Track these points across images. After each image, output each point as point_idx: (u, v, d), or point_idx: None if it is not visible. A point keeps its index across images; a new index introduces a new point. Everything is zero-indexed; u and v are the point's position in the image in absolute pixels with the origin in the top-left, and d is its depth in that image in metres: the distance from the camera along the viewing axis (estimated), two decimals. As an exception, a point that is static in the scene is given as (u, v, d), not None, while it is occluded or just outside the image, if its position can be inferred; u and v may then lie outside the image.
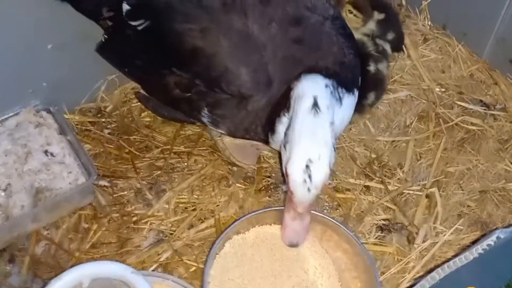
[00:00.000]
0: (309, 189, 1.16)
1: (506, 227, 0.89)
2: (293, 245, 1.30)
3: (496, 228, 0.92)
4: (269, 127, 1.32)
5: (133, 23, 1.41)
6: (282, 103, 1.26)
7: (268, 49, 1.29)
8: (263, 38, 1.29)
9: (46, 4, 1.48)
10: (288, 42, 1.30)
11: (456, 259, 0.85)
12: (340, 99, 1.27)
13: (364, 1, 1.78)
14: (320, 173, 1.15)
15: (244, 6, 1.30)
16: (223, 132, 1.46)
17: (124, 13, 1.42)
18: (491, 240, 0.87)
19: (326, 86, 1.23)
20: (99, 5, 1.48)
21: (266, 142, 1.39)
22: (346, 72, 1.32)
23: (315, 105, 1.18)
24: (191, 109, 1.43)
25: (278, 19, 1.31)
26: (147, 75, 1.48)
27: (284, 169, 1.19)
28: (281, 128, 1.27)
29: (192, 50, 1.32)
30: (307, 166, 1.14)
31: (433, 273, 0.83)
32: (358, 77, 1.41)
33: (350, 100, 1.32)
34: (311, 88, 1.22)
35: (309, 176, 1.15)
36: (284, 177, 1.24)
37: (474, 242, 0.94)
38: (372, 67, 1.62)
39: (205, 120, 1.43)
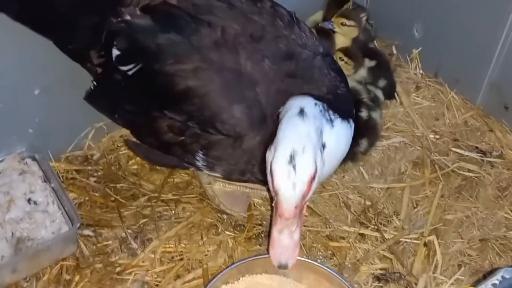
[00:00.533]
0: (294, 185, 1.09)
1: (511, 266, 0.83)
2: (282, 266, 1.20)
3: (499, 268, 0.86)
4: (265, 164, 1.27)
5: (123, 68, 1.39)
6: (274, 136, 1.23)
7: (261, 85, 1.26)
8: (256, 75, 1.27)
9: (33, 48, 1.47)
10: (281, 76, 1.28)
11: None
12: (331, 121, 1.23)
13: (355, 48, 1.79)
14: (305, 164, 1.10)
15: (236, 43, 1.29)
16: (218, 175, 1.41)
17: (114, 59, 1.40)
18: (496, 279, 0.81)
19: (316, 104, 1.20)
20: (88, 48, 1.46)
21: (264, 182, 1.34)
22: (340, 102, 1.30)
23: (302, 112, 1.15)
24: (185, 153, 1.38)
25: (271, 55, 1.30)
26: (138, 119, 1.44)
27: (268, 170, 1.13)
28: (269, 159, 1.23)
29: (184, 90, 1.29)
30: (291, 158, 1.09)
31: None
32: (352, 109, 1.38)
33: (344, 127, 1.27)
34: (299, 102, 1.19)
35: (294, 168, 1.09)
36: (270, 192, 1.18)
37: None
38: (364, 114, 1.59)
39: (199, 164, 1.39)
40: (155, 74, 1.33)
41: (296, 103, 1.19)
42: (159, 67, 1.32)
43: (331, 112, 1.23)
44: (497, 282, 0.82)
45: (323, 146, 1.21)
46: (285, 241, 1.16)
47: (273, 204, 1.16)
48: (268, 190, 1.31)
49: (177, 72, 1.29)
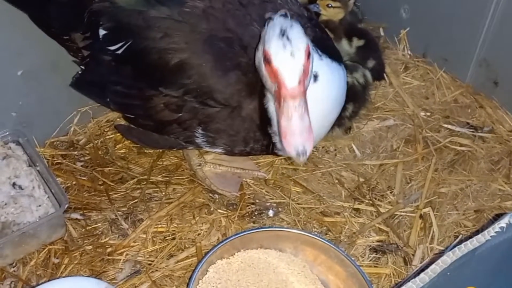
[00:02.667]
0: (292, 53, 1.07)
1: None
2: (300, 152, 1.08)
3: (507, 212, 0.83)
4: (265, 121, 1.25)
5: (112, 48, 1.35)
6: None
7: (252, 49, 1.24)
8: (246, 39, 1.26)
9: (16, 29, 1.43)
10: None
11: (468, 242, 0.76)
12: (319, 55, 1.23)
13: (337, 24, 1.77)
14: (297, 33, 1.09)
15: (225, 11, 1.27)
16: (220, 151, 1.38)
17: (101, 38, 1.36)
18: (503, 223, 0.79)
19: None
20: (69, 30, 1.43)
21: (268, 146, 1.31)
22: (327, 49, 1.29)
23: (285, 15, 1.16)
24: (183, 130, 1.35)
25: (258, 18, 1.28)
26: (132, 101, 1.40)
27: (262, 58, 1.12)
28: (271, 106, 1.21)
29: (178, 64, 1.27)
30: (282, 32, 1.09)
31: (444, 257, 0.75)
32: (340, 56, 1.38)
33: (335, 66, 1.27)
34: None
35: (288, 39, 1.08)
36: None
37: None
38: (349, 78, 1.57)
39: (199, 141, 1.35)
40: (146, 51, 1.29)
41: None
42: (149, 43, 1.29)
43: (319, 51, 1.23)
44: (504, 225, 0.80)
45: (315, 76, 1.20)
46: (297, 126, 1.07)
47: (274, 92, 1.13)
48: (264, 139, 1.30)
49: (169, 46, 1.27)
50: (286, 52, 1.08)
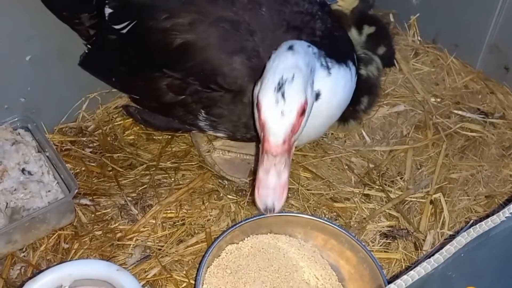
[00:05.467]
0: (282, 113, 1.03)
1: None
2: (268, 209, 1.10)
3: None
4: None
5: (117, 27, 1.35)
6: None
7: (259, 34, 1.23)
8: (253, 23, 1.24)
9: (25, 13, 1.43)
10: (277, 23, 1.25)
11: (483, 222, 0.75)
12: (327, 68, 1.19)
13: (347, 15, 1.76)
14: (295, 92, 1.04)
15: None
16: (222, 135, 1.37)
17: (106, 17, 1.36)
18: (509, 212, 0.78)
19: (309, 46, 1.16)
20: (79, 12, 1.42)
21: None
22: (337, 44, 1.26)
23: (291, 47, 1.11)
24: (187, 113, 1.34)
25: (266, 1, 1.26)
26: (136, 81, 1.40)
27: (255, 102, 1.08)
28: None
29: (182, 45, 1.25)
30: (279, 86, 1.04)
31: (459, 237, 0.74)
32: (353, 53, 1.34)
33: (343, 72, 1.23)
34: (290, 41, 1.15)
35: (283, 96, 1.03)
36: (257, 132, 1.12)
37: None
38: (363, 71, 1.56)
39: (202, 124, 1.35)
40: (150, 31, 1.29)
41: (288, 42, 1.15)
42: (154, 23, 1.28)
43: (328, 59, 1.20)
44: (509, 214, 0.79)
45: (317, 94, 1.17)
46: (272, 182, 1.08)
47: (259, 144, 1.11)
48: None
49: (173, 27, 1.25)
50: (277, 109, 1.04)
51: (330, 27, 1.30)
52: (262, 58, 1.21)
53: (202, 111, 1.31)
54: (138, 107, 1.48)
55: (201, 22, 1.24)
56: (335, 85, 1.21)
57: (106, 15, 1.35)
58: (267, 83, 1.06)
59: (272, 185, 1.08)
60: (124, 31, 1.33)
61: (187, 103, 1.31)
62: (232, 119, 1.29)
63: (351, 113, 1.51)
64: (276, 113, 1.04)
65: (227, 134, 1.35)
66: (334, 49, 1.23)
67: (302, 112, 1.06)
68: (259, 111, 1.06)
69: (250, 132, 1.31)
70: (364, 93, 1.54)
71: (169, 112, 1.37)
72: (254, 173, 1.52)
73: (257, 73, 1.21)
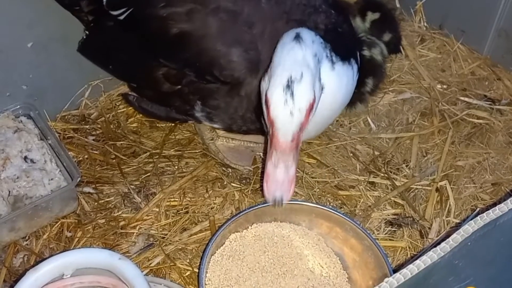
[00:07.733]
0: (291, 112, 1.03)
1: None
2: (276, 201, 1.12)
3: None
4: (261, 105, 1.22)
5: (115, 13, 1.33)
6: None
7: (258, 26, 1.21)
8: (252, 15, 1.21)
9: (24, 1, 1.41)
10: (278, 15, 1.22)
11: (490, 211, 0.74)
12: (332, 62, 1.17)
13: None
14: (303, 92, 1.03)
15: None
16: (219, 126, 1.36)
17: (104, 3, 1.34)
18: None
19: (316, 34, 1.14)
20: None
21: (263, 130, 1.28)
22: (340, 41, 1.23)
23: (298, 36, 1.09)
24: (183, 103, 1.33)
25: None
26: (133, 70, 1.39)
27: (263, 100, 1.07)
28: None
29: (178, 35, 1.23)
30: (288, 86, 1.03)
31: (466, 226, 0.72)
32: (356, 50, 1.32)
33: (346, 69, 1.21)
34: (295, 29, 1.12)
35: (291, 95, 1.03)
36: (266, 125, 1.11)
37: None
38: (367, 52, 1.54)
39: (199, 115, 1.33)
40: (147, 19, 1.27)
41: (293, 30, 1.12)
42: (150, 11, 1.26)
43: (333, 53, 1.18)
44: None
45: (322, 88, 1.15)
46: (280, 176, 1.09)
47: (268, 137, 1.10)
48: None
49: (170, 16, 1.23)
50: (286, 109, 1.03)
51: (334, 22, 1.27)
52: (260, 50, 1.19)
53: (199, 102, 1.29)
54: (137, 95, 1.46)
55: (198, 12, 1.21)
56: (339, 78, 1.20)
57: (104, 1, 1.33)
58: (275, 81, 1.05)
59: (281, 179, 1.10)
60: (122, 17, 1.32)
61: (184, 93, 1.30)
62: (228, 111, 1.28)
63: (357, 95, 1.49)
64: (285, 113, 1.04)
65: (223, 126, 1.34)
66: (338, 44, 1.20)
67: (311, 109, 1.06)
68: (267, 108, 1.06)
69: (247, 125, 1.29)
70: (369, 74, 1.52)
71: (166, 101, 1.35)
72: (257, 161, 1.51)
73: (255, 66, 1.20)
